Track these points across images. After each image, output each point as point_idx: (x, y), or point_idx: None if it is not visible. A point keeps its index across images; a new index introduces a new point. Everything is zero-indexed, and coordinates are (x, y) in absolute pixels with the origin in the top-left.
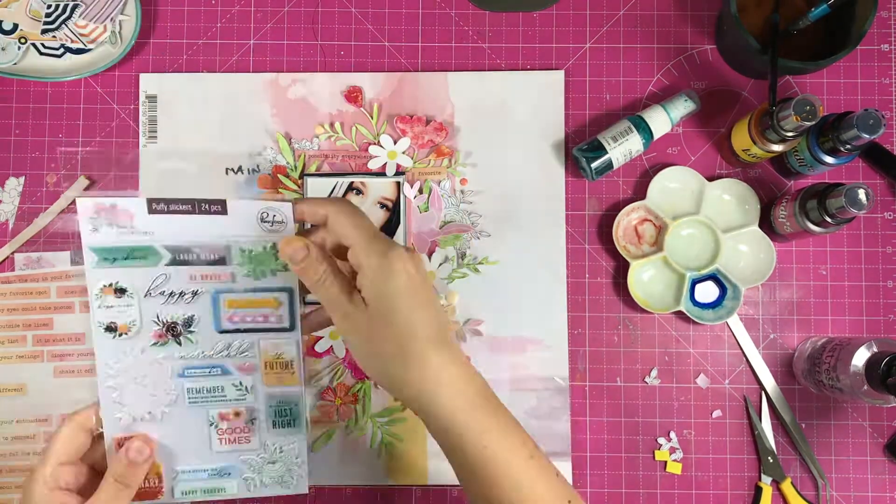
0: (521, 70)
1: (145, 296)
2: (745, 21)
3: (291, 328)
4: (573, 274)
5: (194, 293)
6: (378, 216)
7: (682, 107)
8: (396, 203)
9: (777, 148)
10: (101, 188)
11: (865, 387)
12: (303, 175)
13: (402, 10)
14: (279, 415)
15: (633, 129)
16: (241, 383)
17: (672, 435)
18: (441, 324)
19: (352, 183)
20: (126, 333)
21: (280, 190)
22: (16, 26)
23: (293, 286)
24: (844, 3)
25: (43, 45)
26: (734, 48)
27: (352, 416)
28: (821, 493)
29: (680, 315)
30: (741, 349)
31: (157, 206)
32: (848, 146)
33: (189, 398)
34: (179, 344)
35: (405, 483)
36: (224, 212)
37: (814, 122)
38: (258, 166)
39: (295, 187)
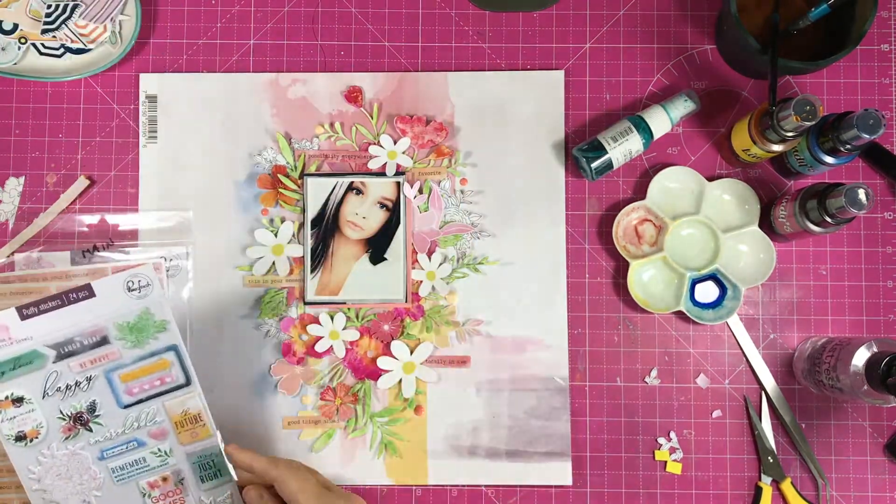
0: (521, 70)
1: (43, 397)
2: (745, 21)
3: (188, 382)
4: (573, 274)
5: (88, 379)
6: (378, 216)
7: (682, 107)
8: (396, 203)
9: (777, 148)
10: (100, 188)
11: (865, 387)
12: (303, 175)
13: (402, 10)
14: (203, 468)
15: (633, 129)
16: (159, 449)
17: (672, 435)
18: None
19: (352, 183)
20: (37, 437)
21: (280, 190)
22: (16, 26)
23: (177, 342)
24: (844, 3)
25: (43, 45)
26: (734, 48)
27: (352, 416)
28: (821, 493)
29: (680, 315)
30: (741, 349)
31: (28, 311)
32: (848, 146)
33: (115, 476)
34: (91, 430)
35: (405, 483)
36: (92, 294)
37: (814, 122)
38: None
39: (295, 187)
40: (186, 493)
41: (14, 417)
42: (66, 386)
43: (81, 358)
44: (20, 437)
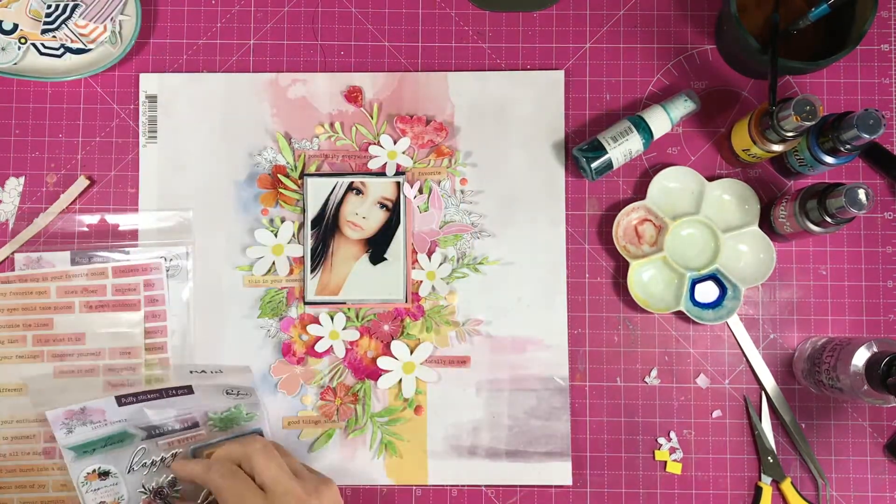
0: (521, 70)
1: (128, 472)
2: (745, 21)
3: None
4: (573, 274)
5: (174, 456)
6: (378, 216)
7: (682, 107)
8: (396, 203)
9: (777, 148)
10: (100, 188)
11: (865, 387)
12: (303, 175)
13: (402, 10)
14: None
15: (633, 129)
16: None
17: (672, 435)
18: None
19: (352, 183)
20: None
21: (280, 190)
22: (16, 26)
23: (262, 428)
24: (844, 3)
25: (43, 45)
26: (734, 48)
27: (352, 416)
28: (821, 493)
29: (680, 315)
30: (741, 349)
31: (126, 399)
32: (848, 146)
33: None
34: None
35: (405, 483)
36: (191, 392)
37: (814, 122)
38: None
39: (295, 187)
40: None
41: (98, 489)
42: (152, 462)
43: (170, 438)
44: None
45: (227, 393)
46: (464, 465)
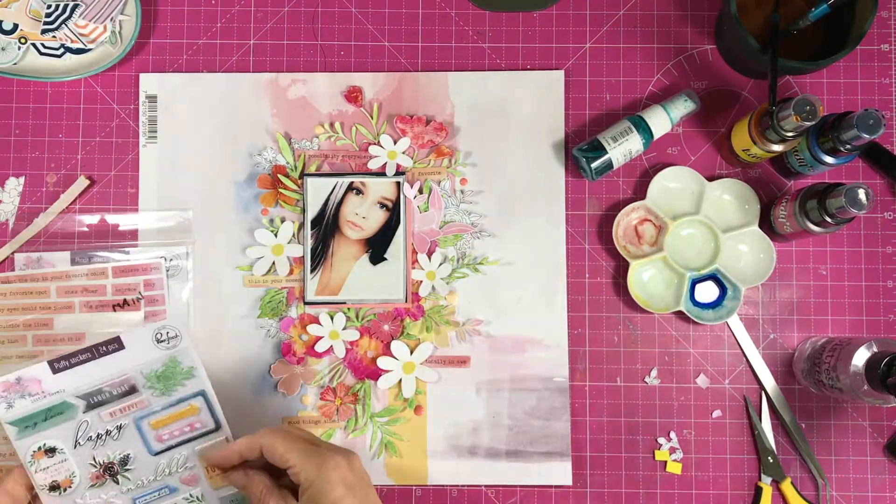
0: (521, 70)
1: (75, 447)
2: (745, 21)
3: (217, 427)
4: (573, 274)
5: (119, 428)
6: (378, 216)
7: (682, 107)
8: (396, 203)
9: (777, 148)
10: (100, 188)
11: (865, 387)
12: (303, 175)
13: (402, 10)
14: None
15: (633, 129)
16: (191, 495)
17: (672, 435)
18: None
19: (352, 183)
20: (70, 487)
21: (280, 190)
22: (16, 26)
23: (205, 388)
24: (844, 3)
25: (43, 45)
26: (734, 48)
27: (352, 416)
28: (821, 493)
29: (680, 315)
30: (741, 349)
31: (59, 364)
32: (848, 146)
33: None
34: (117, 482)
35: (405, 483)
36: (121, 347)
37: (814, 122)
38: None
39: (295, 187)
40: None
41: (48, 468)
42: (97, 435)
43: (111, 407)
44: (54, 487)
45: (158, 341)
46: (464, 465)
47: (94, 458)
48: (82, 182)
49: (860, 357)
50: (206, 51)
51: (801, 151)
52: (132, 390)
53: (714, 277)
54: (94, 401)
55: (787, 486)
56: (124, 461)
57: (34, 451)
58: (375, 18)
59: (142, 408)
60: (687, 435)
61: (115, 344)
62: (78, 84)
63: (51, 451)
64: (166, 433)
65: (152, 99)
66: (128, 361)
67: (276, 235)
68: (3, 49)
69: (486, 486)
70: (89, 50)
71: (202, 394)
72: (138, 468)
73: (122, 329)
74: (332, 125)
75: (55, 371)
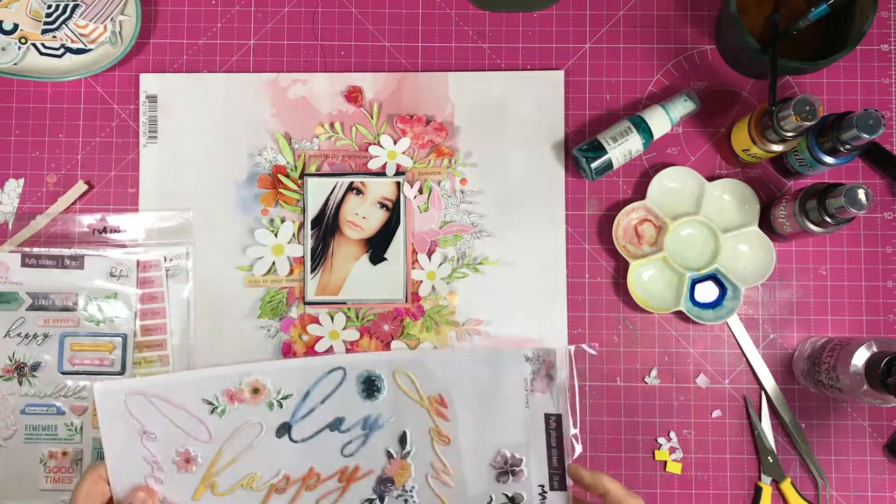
0: (521, 70)
1: (4, 336)
2: (745, 21)
3: (122, 372)
4: (573, 274)
5: (45, 335)
6: (378, 216)
7: (682, 107)
8: (396, 203)
9: (777, 148)
10: (100, 188)
11: (865, 387)
12: (303, 175)
13: (402, 10)
14: (101, 458)
15: (633, 129)
16: (72, 423)
17: (672, 435)
18: None
19: (352, 183)
20: None
21: (280, 190)
22: (16, 26)
23: (128, 332)
24: (844, 3)
25: (43, 45)
26: (734, 48)
27: None
28: (821, 493)
29: (680, 315)
30: (741, 349)
31: (29, 260)
32: (848, 146)
33: (25, 435)
34: (20, 384)
35: None
36: (81, 267)
37: (814, 122)
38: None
39: (295, 187)
40: (75, 475)
41: None
42: (27, 335)
43: (48, 315)
44: None
45: (111, 275)
46: None
47: (13, 354)
48: (80, 187)
49: (860, 357)
50: (206, 51)
51: (801, 151)
52: (71, 308)
53: (714, 277)
54: (38, 303)
55: (786, 486)
56: (35, 367)
57: None
58: (375, 18)
59: (71, 326)
60: (687, 435)
61: (77, 262)
62: (78, 84)
63: None
64: (78, 359)
65: (152, 99)
66: (81, 281)
67: (276, 235)
68: (3, 49)
69: None
70: (89, 50)
71: (124, 336)
72: (43, 379)
73: (84, 251)
74: (332, 125)
75: (24, 265)
